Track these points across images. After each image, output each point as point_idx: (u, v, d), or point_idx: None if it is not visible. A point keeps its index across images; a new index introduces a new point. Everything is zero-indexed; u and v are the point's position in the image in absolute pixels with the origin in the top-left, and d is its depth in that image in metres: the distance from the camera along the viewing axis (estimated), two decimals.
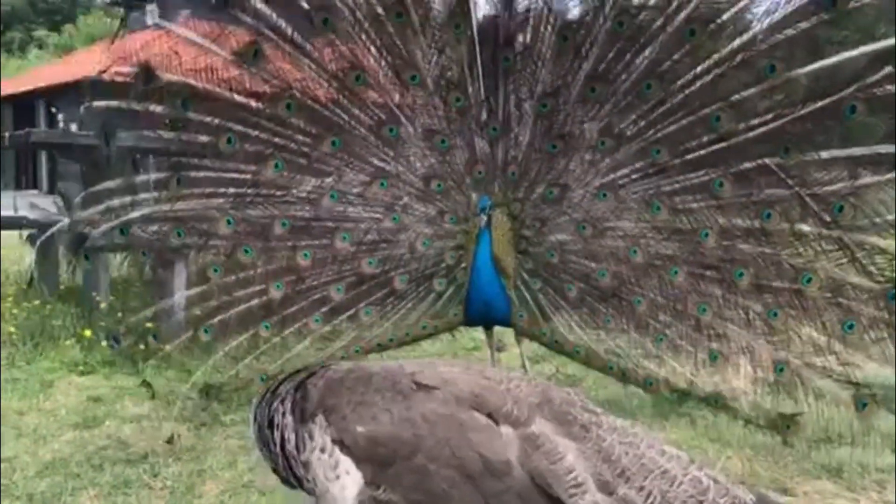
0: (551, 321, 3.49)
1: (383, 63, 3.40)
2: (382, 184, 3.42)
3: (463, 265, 3.48)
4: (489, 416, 1.59)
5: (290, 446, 1.67)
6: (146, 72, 3.26)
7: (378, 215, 3.45)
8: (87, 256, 3.89)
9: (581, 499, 1.52)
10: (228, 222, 3.32)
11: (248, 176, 3.37)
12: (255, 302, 3.34)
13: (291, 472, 1.68)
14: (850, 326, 3.00)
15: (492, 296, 3.41)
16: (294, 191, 3.40)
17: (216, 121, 3.32)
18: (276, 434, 1.70)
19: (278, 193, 3.39)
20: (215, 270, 3.35)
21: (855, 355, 3.02)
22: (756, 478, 3.05)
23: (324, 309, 3.40)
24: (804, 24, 2.94)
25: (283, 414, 1.70)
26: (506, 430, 1.58)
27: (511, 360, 4.33)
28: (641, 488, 1.56)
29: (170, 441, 3.35)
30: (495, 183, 3.46)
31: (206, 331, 3.32)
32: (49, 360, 4.59)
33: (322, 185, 3.41)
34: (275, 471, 1.75)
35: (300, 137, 3.38)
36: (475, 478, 1.52)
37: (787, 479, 3.05)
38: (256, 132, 3.35)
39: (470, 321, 3.62)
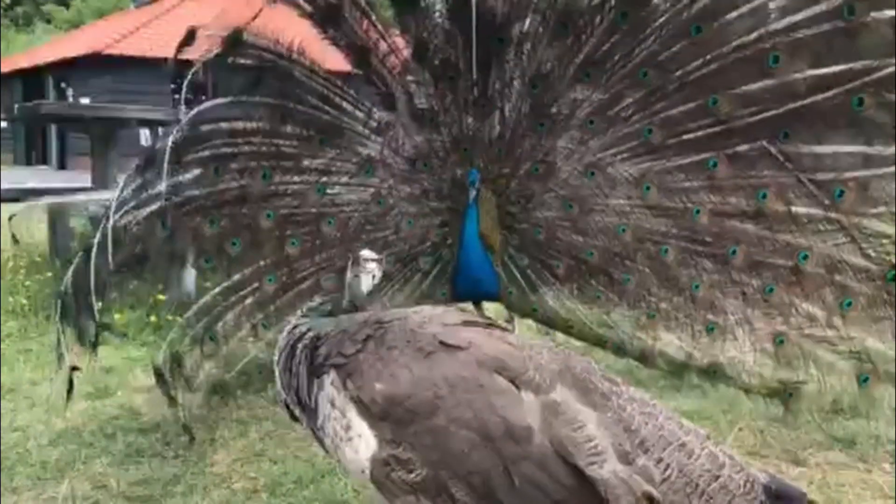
0: (541, 296, 3.46)
1: (382, 44, 3.34)
2: (368, 171, 3.36)
3: (448, 242, 3.43)
4: (511, 381, 1.59)
5: (303, 393, 1.70)
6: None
7: (364, 201, 3.37)
8: None
9: (600, 468, 1.51)
10: (212, 223, 3.19)
11: (236, 192, 3.22)
12: (249, 301, 3.25)
13: (300, 410, 1.75)
14: (849, 304, 2.95)
15: (481, 271, 3.37)
16: (281, 189, 3.29)
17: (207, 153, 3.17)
18: (293, 378, 1.73)
19: (265, 195, 3.26)
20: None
21: (854, 330, 2.98)
22: (768, 449, 3.05)
23: (317, 297, 3.32)
24: (817, 29, 2.86)
25: (299, 362, 1.73)
26: (527, 396, 1.58)
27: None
28: (660, 460, 1.55)
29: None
30: (480, 159, 3.39)
31: (211, 338, 3.22)
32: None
33: (308, 181, 3.32)
34: (285, 405, 1.80)
35: (288, 142, 3.28)
36: (496, 441, 1.52)
37: (800, 450, 3.04)
38: (245, 147, 3.22)
39: (458, 298, 3.58)
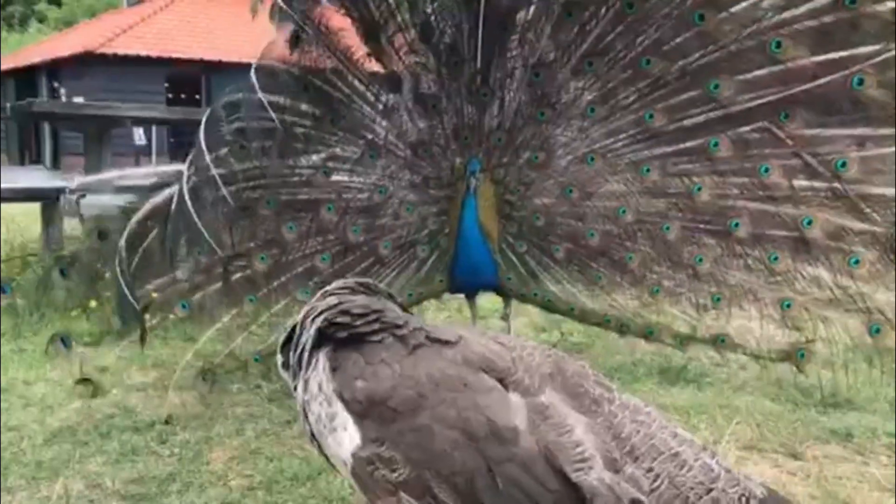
0: (541, 282, 3.47)
1: (393, 26, 3.32)
2: (372, 156, 3.38)
3: (446, 231, 3.45)
4: (499, 381, 1.56)
5: (304, 358, 1.67)
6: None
7: (366, 186, 3.39)
8: None
9: (586, 474, 1.47)
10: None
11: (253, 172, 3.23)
12: (238, 276, 3.25)
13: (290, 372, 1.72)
14: (856, 262, 3.00)
15: (479, 260, 3.39)
16: (288, 171, 3.32)
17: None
18: (301, 334, 1.70)
19: (275, 179, 3.27)
20: (199, 252, 3.17)
21: (864, 286, 3.02)
22: (765, 442, 3.04)
23: (311, 282, 3.31)
24: (820, 20, 2.87)
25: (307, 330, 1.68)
26: (514, 397, 1.55)
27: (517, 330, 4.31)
28: (650, 469, 1.51)
29: (167, 422, 3.28)
30: (480, 148, 3.40)
31: (183, 306, 3.24)
32: (55, 330, 4.57)
33: (315, 165, 3.34)
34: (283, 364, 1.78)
35: (301, 120, 3.30)
36: (480, 441, 1.49)
37: (797, 443, 3.04)
38: (267, 123, 3.18)
39: (456, 287, 3.59)
